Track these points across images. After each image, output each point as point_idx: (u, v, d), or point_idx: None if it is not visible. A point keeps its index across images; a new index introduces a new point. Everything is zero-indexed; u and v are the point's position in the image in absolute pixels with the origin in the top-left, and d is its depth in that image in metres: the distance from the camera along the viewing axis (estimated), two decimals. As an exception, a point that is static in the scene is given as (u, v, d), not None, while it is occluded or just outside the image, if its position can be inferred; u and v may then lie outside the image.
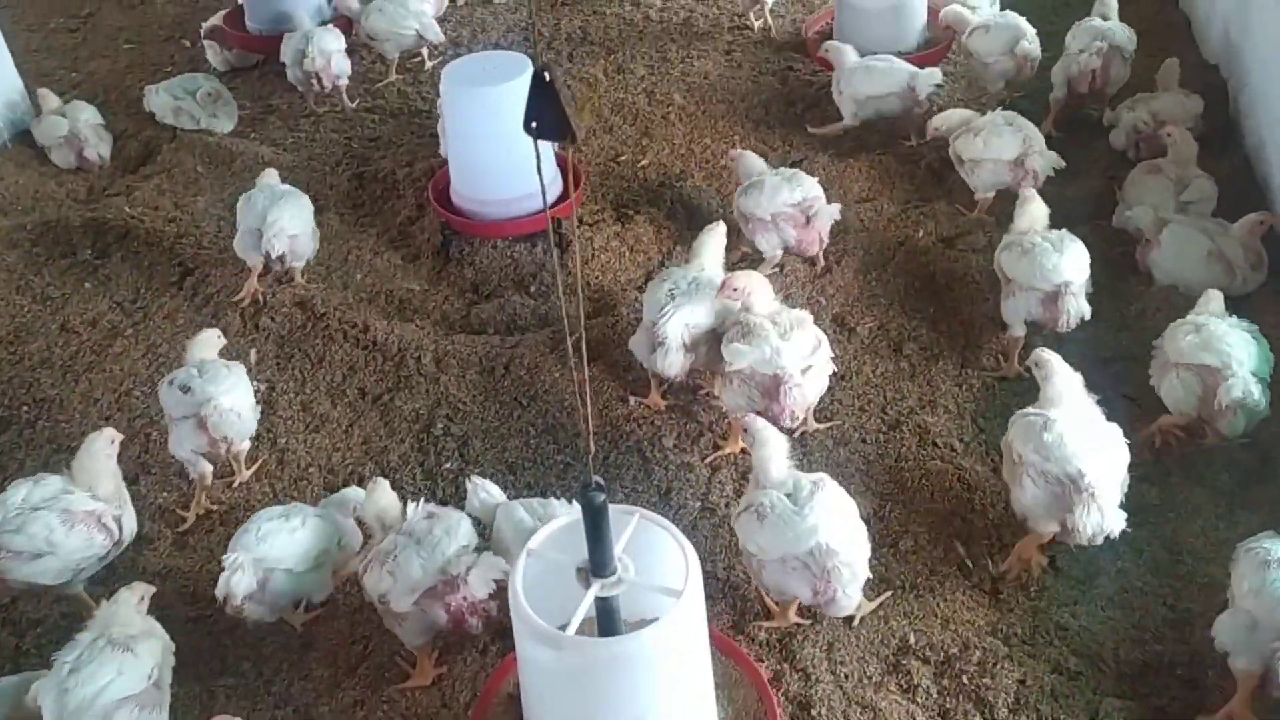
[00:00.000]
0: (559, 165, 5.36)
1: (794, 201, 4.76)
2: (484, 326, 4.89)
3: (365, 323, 4.83)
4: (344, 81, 6.54)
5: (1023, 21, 5.80)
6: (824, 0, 7.17)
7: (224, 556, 3.42)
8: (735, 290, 4.05)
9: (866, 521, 3.76)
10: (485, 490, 3.57)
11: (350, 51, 6.87)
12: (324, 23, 6.88)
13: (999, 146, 4.97)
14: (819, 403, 4.15)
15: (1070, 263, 4.20)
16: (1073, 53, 5.68)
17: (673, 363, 4.16)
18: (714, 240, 4.52)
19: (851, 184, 5.51)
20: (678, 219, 5.39)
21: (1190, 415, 3.83)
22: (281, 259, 4.99)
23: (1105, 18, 5.79)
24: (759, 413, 3.96)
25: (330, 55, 6.37)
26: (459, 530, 3.30)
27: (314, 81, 6.41)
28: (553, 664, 2.67)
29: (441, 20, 7.47)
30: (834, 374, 4.27)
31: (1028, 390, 4.19)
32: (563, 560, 2.71)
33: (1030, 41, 5.72)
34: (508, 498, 3.94)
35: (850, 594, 3.26)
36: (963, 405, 4.22)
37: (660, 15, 7.44)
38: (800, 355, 3.86)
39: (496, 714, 3.20)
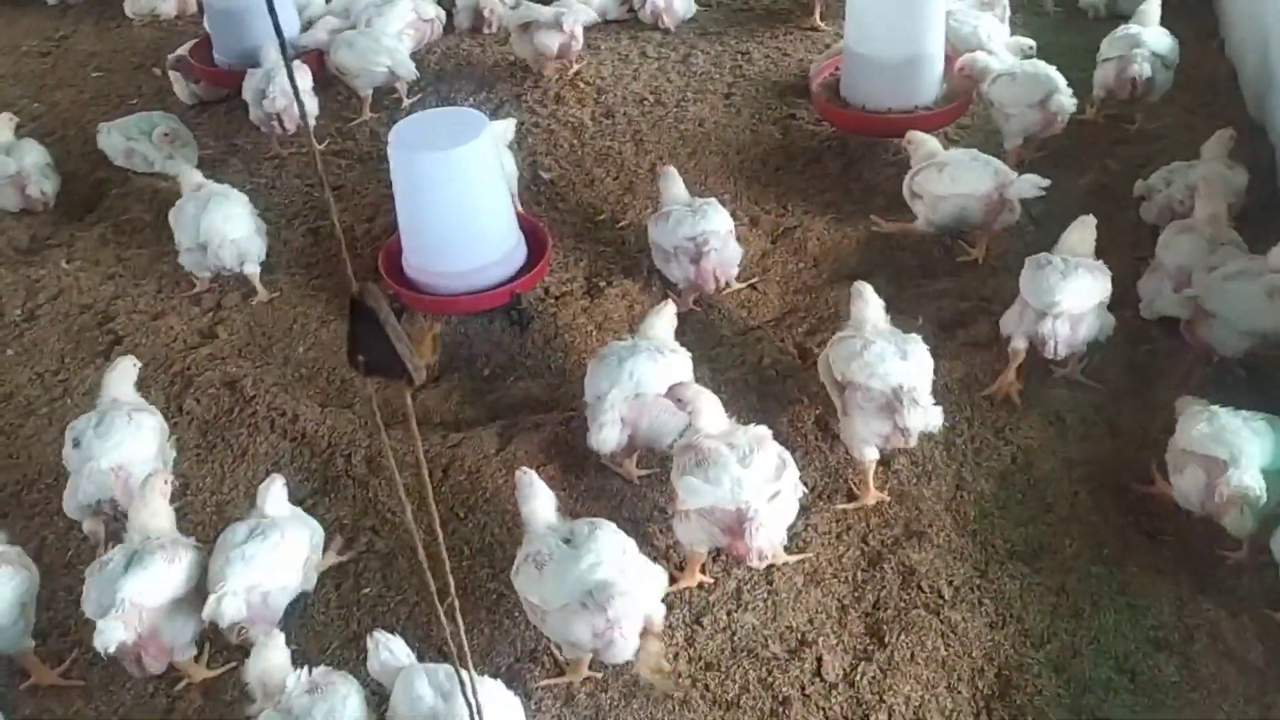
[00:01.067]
0: (524, 228, 4.87)
1: (690, 235, 4.51)
2: (428, 416, 4.40)
3: (295, 411, 4.36)
4: (312, 122, 6.08)
5: (1053, 71, 5.23)
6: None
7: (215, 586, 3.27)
8: (680, 401, 3.57)
9: (834, 686, 3.28)
10: (388, 649, 3.07)
11: (325, 85, 6.44)
12: (293, 57, 6.42)
13: (970, 181, 4.66)
14: (790, 529, 3.62)
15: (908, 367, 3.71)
16: (1110, 59, 5.42)
17: (607, 438, 3.77)
18: (662, 319, 4.13)
19: (847, 256, 4.97)
20: (653, 294, 4.87)
21: (1198, 509, 3.43)
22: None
23: (1143, 25, 5.53)
24: (722, 550, 3.48)
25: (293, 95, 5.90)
26: (344, 711, 2.82)
27: (276, 123, 5.96)
28: None
29: (427, 51, 7.03)
30: (809, 491, 3.79)
31: (1032, 518, 3.68)
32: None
33: (1064, 94, 5.15)
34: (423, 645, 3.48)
35: (628, 636, 3.07)
36: (954, 540, 3.67)
37: (658, 51, 6.92)
38: (764, 482, 3.33)
39: None
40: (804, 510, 3.65)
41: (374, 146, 6.18)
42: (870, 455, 3.72)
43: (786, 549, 3.64)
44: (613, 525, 3.27)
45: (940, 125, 5.65)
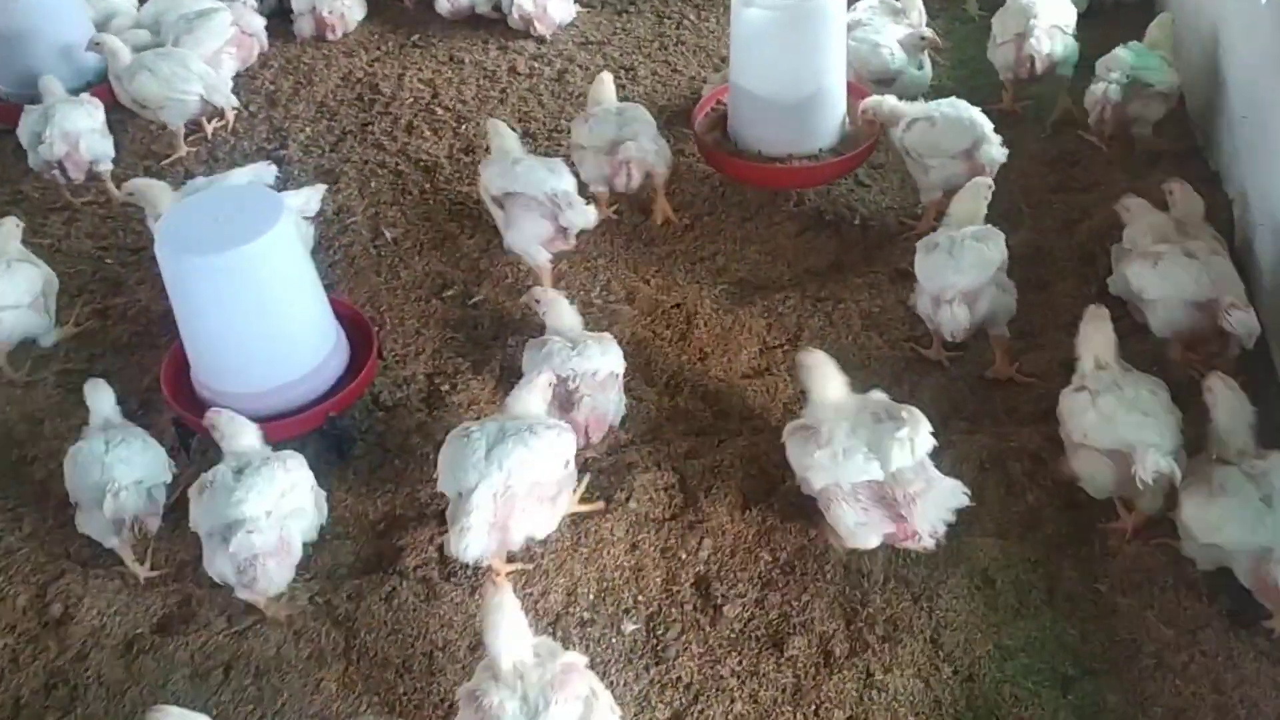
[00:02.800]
0: (344, 317, 3.99)
1: (562, 377, 3.60)
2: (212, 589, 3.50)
3: (39, 598, 3.44)
4: (105, 166, 5.07)
5: (978, 115, 4.43)
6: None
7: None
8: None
9: None
10: None
11: (130, 116, 5.44)
12: (87, 86, 5.39)
13: (533, 181, 4.25)
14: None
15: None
16: (1007, 40, 5.06)
17: (471, 543, 3.10)
18: (535, 392, 3.46)
19: (740, 348, 4.16)
20: (506, 391, 3.99)
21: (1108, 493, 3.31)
22: None
23: None
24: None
25: (78, 138, 4.89)
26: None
27: (58, 171, 4.94)
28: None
29: (261, 66, 6.04)
30: (684, 688, 3.03)
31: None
32: None
33: (994, 143, 4.36)
34: None
35: (274, 578, 3.17)
36: (864, 757, 2.93)
37: (530, 66, 6.00)
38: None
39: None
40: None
41: (189, 192, 5.20)
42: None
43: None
44: (298, 460, 3.31)
45: (847, 171, 4.84)
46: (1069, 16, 5.10)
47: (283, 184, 4.81)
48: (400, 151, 5.37)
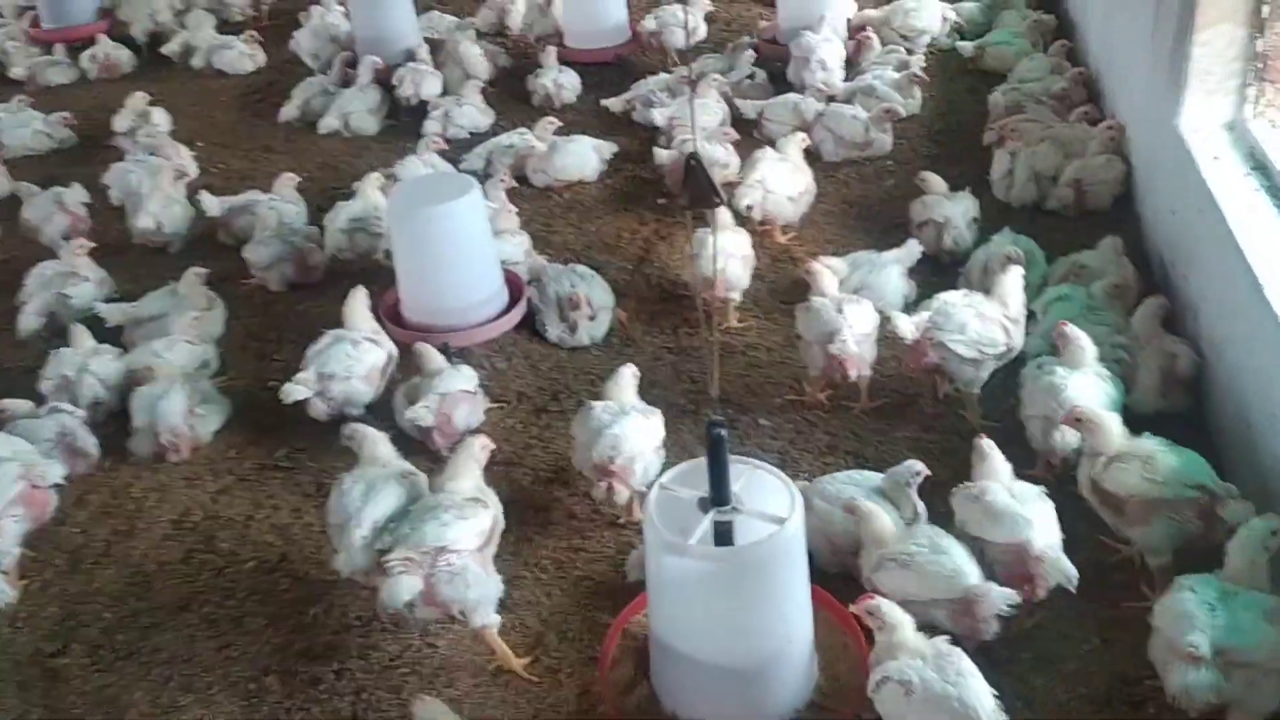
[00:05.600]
0: None
1: None
2: None
3: None
4: None
5: (959, 552, 3.29)
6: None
7: None
8: None
9: None
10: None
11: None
12: None
13: None
14: None
15: None
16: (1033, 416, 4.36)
17: None
18: None
19: None
20: None
21: None
22: None
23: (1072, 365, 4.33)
24: None
25: None
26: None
27: None
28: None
29: (76, 502, 4.73)
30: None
31: None
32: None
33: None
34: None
35: None
36: None
37: (413, 506, 4.63)
38: None
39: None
40: None
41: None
42: None
43: None
44: None
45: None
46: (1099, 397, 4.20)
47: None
48: (215, 669, 3.94)
